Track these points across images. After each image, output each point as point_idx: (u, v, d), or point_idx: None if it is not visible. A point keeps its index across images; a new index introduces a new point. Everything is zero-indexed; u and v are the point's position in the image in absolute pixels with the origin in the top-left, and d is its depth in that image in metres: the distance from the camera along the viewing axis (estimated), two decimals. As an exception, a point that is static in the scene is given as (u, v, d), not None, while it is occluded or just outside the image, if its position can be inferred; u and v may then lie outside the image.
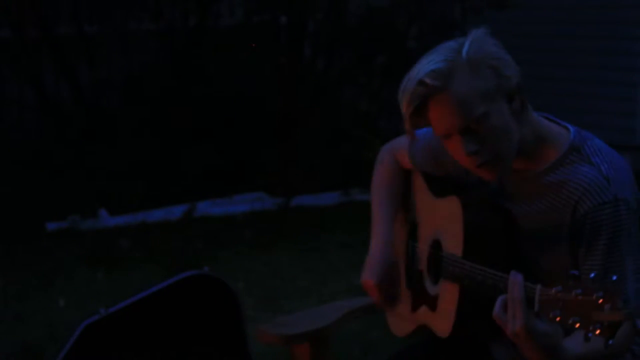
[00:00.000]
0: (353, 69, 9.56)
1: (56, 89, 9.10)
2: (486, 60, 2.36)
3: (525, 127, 2.42)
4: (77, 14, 9.23)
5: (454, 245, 2.52)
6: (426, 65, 2.36)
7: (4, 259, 6.70)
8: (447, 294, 2.55)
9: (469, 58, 2.35)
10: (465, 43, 2.37)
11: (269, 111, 9.01)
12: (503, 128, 2.37)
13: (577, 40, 9.38)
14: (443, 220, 2.61)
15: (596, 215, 2.36)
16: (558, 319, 2.11)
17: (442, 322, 2.55)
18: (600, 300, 2.04)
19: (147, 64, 9.28)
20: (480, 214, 2.52)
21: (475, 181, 2.56)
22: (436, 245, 2.65)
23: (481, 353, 2.60)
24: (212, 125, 8.77)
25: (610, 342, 2.05)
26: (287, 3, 9.15)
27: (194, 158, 8.41)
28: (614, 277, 2.07)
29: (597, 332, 2.04)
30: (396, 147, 2.89)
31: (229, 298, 2.97)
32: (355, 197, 8.10)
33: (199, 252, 6.80)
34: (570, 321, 2.09)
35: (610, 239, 2.36)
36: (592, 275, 2.14)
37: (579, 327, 2.07)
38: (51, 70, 9.07)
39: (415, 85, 2.36)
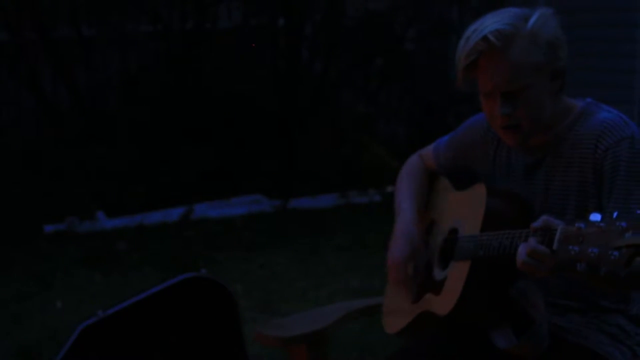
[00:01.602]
0: (351, 71, 9.57)
1: (54, 91, 9.10)
2: (546, 36, 2.52)
3: (557, 107, 2.56)
4: (75, 17, 9.23)
5: (472, 226, 2.57)
6: (492, 24, 2.51)
7: (1, 261, 6.70)
8: (456, 273, 2.58)
9: (532, 29, 2.51)
10: (533, 15, 2.53)
11: (267, 114, 9.02)
12: (539, 102, 2.52)
13: (575, 42, 9.39)
14: (465, 208, 2.67)
15: (616, 150, 2.48)
16: (574, 254, 2.14)
17: (445, 301, 2.58)
18: (623, 229, 2.08)
19: (145, 66, 9.28)
20: (502, 197, 2.60)
21: (501, 170, 2.67)
22: (453, 232, 2.70)
23: (481, 343, 2.60)
24: (210, 128, 8.78)
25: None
26: (285, 6, 9.16)
27: (192, 160, 8.41)
28: (638, 211, 2.13)
29: (615, 257, 2.07)
30: (423, 151, 3.01)
31: (227, 300, 2.98)
32: (353, 200, 8.07)
33: (196, 254, 6.80)
34: (589, 250, 2.11)
35: (630, 174, 2.45)
36: (615, 214, 2.17)
37: (596, 258, 2.10)
38: (49, 72, 9.07)
39: (478, 40, 2.50)
